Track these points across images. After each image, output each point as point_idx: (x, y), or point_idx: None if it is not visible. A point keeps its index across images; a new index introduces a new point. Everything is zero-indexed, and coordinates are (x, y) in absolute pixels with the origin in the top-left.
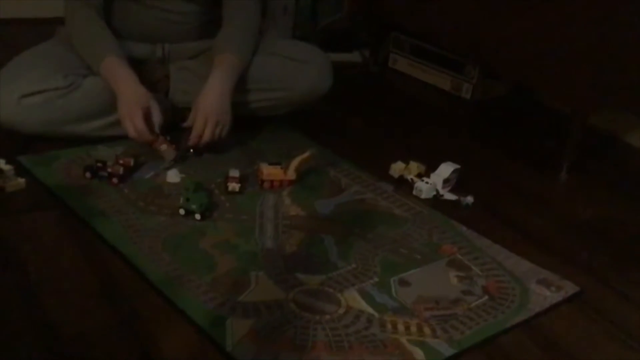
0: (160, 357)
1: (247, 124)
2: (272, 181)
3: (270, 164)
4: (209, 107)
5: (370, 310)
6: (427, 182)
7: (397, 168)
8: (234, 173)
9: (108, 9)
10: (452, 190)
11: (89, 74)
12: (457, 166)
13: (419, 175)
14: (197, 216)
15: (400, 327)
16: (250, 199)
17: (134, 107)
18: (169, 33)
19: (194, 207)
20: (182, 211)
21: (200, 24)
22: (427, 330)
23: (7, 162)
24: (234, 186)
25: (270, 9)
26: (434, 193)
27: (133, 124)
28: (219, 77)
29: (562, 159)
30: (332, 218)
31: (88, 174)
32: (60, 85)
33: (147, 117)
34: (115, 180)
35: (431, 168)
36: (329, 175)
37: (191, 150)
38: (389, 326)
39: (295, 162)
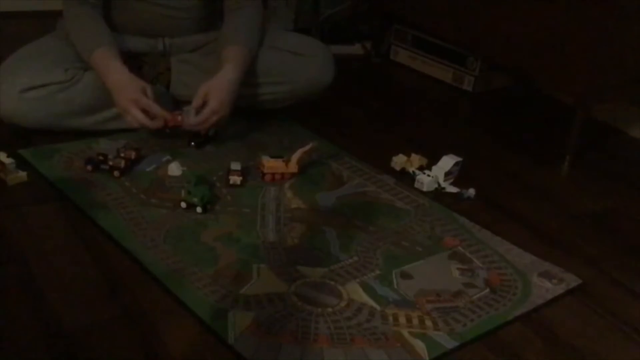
0: (162, 349)
1: (249, 117)
2: (273, 174)
3: (272, 156)
4: (222, 100)
5: (372, 302)
6: (428, 175)
7: (398, 160)
8: (236, 166)
9: (108, 5)
10: (453, 183)
11: (90, 67)
12: (459, 159)
13: (421, 168)
14: (199, 209)
15: (402, 320)
16: (251, 192)
17: (129, 98)
18: (169, 27)
19: (195, 200)
20: (183, 204)
21: (201, 17)
22: (428, 322)
23: (9, 156)
24: (235, 179)
25: (271, 0)
26: (436, 186)
27: (134, 115)
28: (231, 69)
29: (564, 151)
30: (333, 211)
31: (89, 167)
32: (61, 79)
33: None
34: (117, 173)
35: (433, 160)
36: (330, 168)
37: (192, 144)
38: (391, 319)
39: (296, 155)
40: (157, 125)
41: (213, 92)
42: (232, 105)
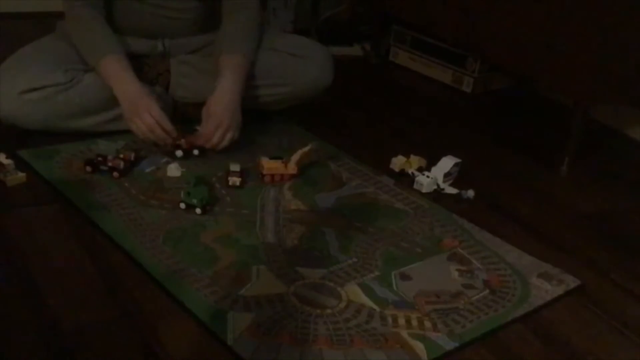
0: (161, 350)
1: (248, 118)
2: (272, 175)
3: (271, 157)
4: (221, 113)
5: (371, 304)
6: (428, 176)
7: (398, 162)
8: (235, 167)
9: (108, 6)
10: (453, 184)
11: (90, 69)
12: (458, 160)
13: (420, 169)
14: (198, 210)
15: (401, 321)
16: (251, 193)
17: (140, 107)
18: (169, 29)
19: (194, 201)
20: (182, 205)
21: (201, 19)
22: (428, 324)
23: (8, 157)
24: (234, 180)
25: (270, 1)
26: (435, 187)
27: (144, 124)
28: (229, 79)
29: (563, 152)
30: (333, 212)
31: (89, 168)
32: (61, 81)
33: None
34: (116, 174)
35: (432, 162)
36: (329, 169)
37: (196, 152)
38: (390, 320)
39: (296, 156)
40: (163, 137)
41: (211, 109)
42: (236, 114)
